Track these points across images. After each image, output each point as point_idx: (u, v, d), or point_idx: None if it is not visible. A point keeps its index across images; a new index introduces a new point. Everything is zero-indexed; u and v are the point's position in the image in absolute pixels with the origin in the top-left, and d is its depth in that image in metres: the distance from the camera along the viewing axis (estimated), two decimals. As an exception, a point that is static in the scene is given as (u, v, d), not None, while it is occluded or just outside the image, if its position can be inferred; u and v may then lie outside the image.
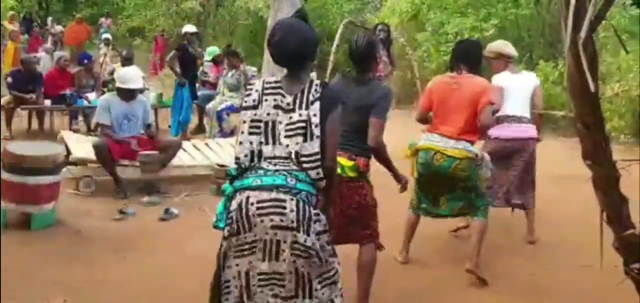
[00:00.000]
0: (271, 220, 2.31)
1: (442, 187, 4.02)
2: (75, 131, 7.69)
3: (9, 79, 7.98)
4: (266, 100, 2.39)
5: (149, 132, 5.95)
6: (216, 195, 5.69)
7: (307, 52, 2.44)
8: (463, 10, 13.07)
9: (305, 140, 2.34)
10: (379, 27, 8.30)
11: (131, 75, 5.92)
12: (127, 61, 8.14)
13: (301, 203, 2.31)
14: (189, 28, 8.68)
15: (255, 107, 2.40)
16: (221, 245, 2.44)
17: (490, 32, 12.10)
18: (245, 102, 2.43)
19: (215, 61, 9.43)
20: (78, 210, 5.12)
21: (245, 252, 2.38)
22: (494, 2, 12.93)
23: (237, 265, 2.40)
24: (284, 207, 2.30)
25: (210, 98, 8.78)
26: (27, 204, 4.52)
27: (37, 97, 7.99)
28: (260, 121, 2.38)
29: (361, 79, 3.28)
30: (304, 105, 2.36)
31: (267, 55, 7.12)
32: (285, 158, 2.35)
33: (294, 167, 2.34)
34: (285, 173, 2.33)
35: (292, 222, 2.30)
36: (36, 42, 14.45)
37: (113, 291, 3.70)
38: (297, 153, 2.34)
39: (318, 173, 2.36)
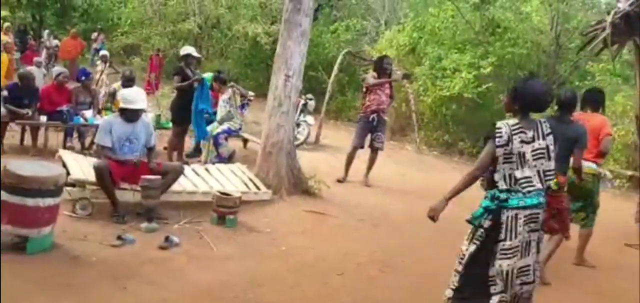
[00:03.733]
0: (531, 227, 3.49)
1: (572, 194, 5.16)
2: (69, 149, 7.52)
3: (5, 93, 7.79)
4: (514, 139, 3.44)
5: (149, 157, 5.81)
6: (218, 225, 5.58)
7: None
8: (460, 46, 13.17)
9: (547, 160, 3.49)
10: (386, 60, 8.26)
11: (136, 96, 5.79)
12: (129, 82, 8.00)
13: (543, 211, 3.55)
14: (189, 50, 8.54)
15: (506, 145, 3.44)
16: (477, 241, 3.54)
17: (487, 69, 12.19)
18: (499, 141, 3.45)
19: (211, 87, 9.32)
20: (75, 233, 4.94)
21: (509, 255, 3.47)
22: (491, 40, 13.04)
23: (500, 265, 3.48)
24: (538, 218, 3.52)
25: (206, 122, 8.66)
26: (24, 227, 4.35)
27: (33, 112, 7.81)
28: (512, 154, 3.44)
29: (566, 120, 4.73)
30: (541, 137, 3.49)
31: (275, 81, 7.04)
32: (533, 176, 3.47)
33: (539, 186, 3.48)
34: (535, 193, 3.47)
35: (540, 224, 3.56)
36: (32, 54, 14.24)
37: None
38: (543, 171, 3.49)
39: (553, 183, 3.64)
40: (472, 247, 3.56)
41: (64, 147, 7.65)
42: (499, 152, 3.44)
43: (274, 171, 6.84)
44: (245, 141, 9.48)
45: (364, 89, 8.26)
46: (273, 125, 6.97)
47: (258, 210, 6.20)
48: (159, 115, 8.95)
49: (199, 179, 6.35)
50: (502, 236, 3.45)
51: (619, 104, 10.74)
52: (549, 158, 3.49)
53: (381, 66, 8.14)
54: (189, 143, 8.94)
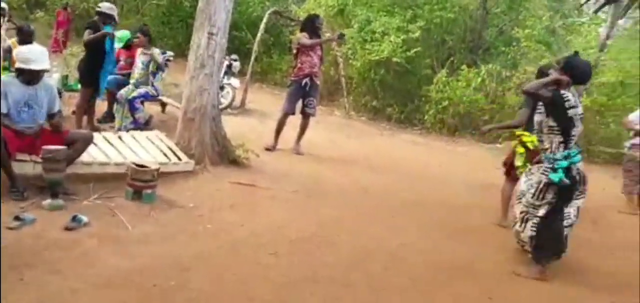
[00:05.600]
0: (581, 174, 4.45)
1: None
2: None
3: None
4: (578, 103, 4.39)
5: (54, 123, 5.11)
6: (133, 200, 5.01)
7: None
8: (389, 9, 12.93)
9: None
10: (317, 20, 7.80)
11: (35, 54, 5.01)
12: (27, 37, 7.04)
13: None
14: (109, 10, 7.64)
15: (575, 107, 4.29)
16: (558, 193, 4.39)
17: (416, 33, 12.04)
18: (568, 104, 4.26)
19: (127, 46, 8.53)
20: (-38, 214, 4.23)
21: (581, 196, 4.46)
22: (420, 3, 12.87)
23: (577, 204, 4.46)
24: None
25: (121, 84, 7.92)
26: None
27: None
28: (574, 116, 4.30)
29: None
30: (579, 105, 4.38)
31: (197, 40, 6.42)
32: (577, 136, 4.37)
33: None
34: (578, 150, 4.42)
35: None
36: None
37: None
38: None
39: None
40: (551, 197, 4.39)
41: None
42: (571, 113, 4.26)
43: (197, 139, 6.28)
44: (164, 105, 8.79)
45: (295, 51, 7.78)
46: (195, 88, 6.38)
47: (179, 183, 5.66)
48: (66, 76, 8.08)
49: (112, 149, 5.72)
50: (578, 184, 4.37)
51: (543, 69, 10.89)
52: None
53: (313, 26, 7.69)
54: (101, 107, 8.15)
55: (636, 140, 7.26)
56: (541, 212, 4.44)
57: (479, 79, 11.58)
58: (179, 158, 6.00)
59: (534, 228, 4.49)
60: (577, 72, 4.40)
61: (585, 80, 4.63)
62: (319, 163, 7.54)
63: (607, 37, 12.32)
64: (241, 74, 11.49)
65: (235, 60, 10.71)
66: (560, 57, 11.63)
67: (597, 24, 13.55)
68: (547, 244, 4.46)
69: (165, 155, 5.96)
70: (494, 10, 13.43)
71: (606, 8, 15.97)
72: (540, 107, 4.48)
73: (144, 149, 5.94)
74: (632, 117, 7.46)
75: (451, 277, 4.43)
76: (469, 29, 13.47)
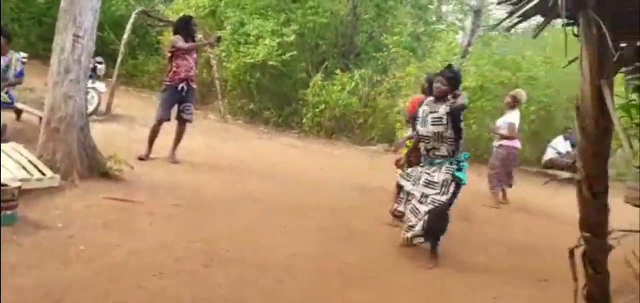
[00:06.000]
0: None
1: None
2: None
3: None
4: None
5: None
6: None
7: None
8: (262, 12, 12.82)
9: None
10: (192, 22, 7.46)
11: None
12: None
13: None
14: None
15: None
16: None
17: (290, 37, 12.06)
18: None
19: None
20: None
21: None
22: (293, 7, 12.92)
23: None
24: None
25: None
26: None
27: None
28: None
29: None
30: None
31: (60, 42, 5.81)
32: None
33: None
34: None
35: None
36: None
37: None
38: None
39: None
40: (453, 191, 4.98)
41: None
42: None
43: (63, 151, 5.69)
44: (19, 113, 7.92)
45: (169, 54, 7.37)
46: (59, 95, 5.78)
47: (44, 201, 5.08)
48: None
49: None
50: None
51: (412, 74, 11.45)
52: None
53: (187, 28, 7.34)
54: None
55: (503, 142, 8.04)
56: (444, 200, 5.00)
57: (353, 83, 11.89)
58: (43, 173, 5.39)
59: (431, 214, 4.98)
60: (457, 80, 5.13)
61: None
62: (197, 171, 7.22)
63: (469, 44, 13.25)
64: (106, 77, 10.73)
65: (100, 62, 9.96)
66: (424, 62, 12.39)
67: (454, 31, 14.58)
68: (439, 227, 5.04)
69: (25, 170, 5.32)
70: (364, 16, 13.87)
71: (461, 16, 17.26)
72: (441, 120, 4.96)
73: (4, 165, 5.26)
74: (500, 122, 8.26)
75: (344, 283, 4.41)
76: (341, 34, 13.77)
